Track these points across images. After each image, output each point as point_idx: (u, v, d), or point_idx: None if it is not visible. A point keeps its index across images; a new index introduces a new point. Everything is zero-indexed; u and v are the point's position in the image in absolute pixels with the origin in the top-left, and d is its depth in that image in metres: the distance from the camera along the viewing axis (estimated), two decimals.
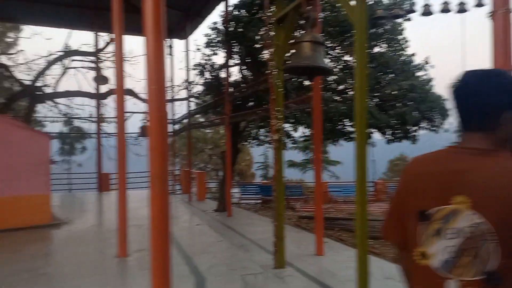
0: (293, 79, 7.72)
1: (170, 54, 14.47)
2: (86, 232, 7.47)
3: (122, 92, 5.45)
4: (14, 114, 13.19)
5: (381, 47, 9.66)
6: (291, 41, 5.09)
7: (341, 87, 10.12)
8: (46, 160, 7.93)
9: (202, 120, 17.17)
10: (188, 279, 4.46)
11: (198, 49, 11.03)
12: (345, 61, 9.54)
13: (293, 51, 4.59)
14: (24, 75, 12.77)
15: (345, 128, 10.02)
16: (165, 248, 2.63)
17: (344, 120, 9.52)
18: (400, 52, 9.82)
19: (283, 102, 5.24)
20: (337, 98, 9.84)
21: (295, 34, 5.80)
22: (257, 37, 8.83)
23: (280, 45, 5.01)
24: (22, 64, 13.35)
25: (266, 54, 9.44)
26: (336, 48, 9.31)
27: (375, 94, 9.68)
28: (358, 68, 3.49)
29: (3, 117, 8.01)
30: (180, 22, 13.13)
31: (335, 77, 9.81)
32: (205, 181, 14.10)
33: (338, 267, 5.20)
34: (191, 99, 13.16)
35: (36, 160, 7.70)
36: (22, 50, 13.47)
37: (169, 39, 14.46)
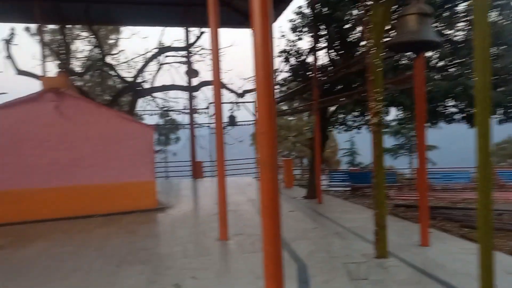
0: (389, 59, 7.22)
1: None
2: (188, 216, 8.01)
3: (219, 83, 5.65)
4: (119, 108, 14.64)
5: (490, 16, 8.49)
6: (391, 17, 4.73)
7: (440, 64, 9.22)
8: (151, 149, 8.67)
9: (285, 107, 17.18)
10: (289, 264, 4.49)
11: (283, 35, 10.97)
12: (446, 35, 8.63)
13: (395, 26, 4.27)
14: (125, 73, 14.07)
15: (446, 109, 9.13)
16: (276, 233, 2.65)
17: (446, 100, 8.66)
18: None
19: (382, 83, 4.92)
20: (436, 76, 8.99)
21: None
22: (347, 17, 8.44)
23: (378, 22, 4.68)
24: (123, 62, 14.73)
25: (358, 34, 9.02)
26: (436, 21, 8.45)
27: None
28: (478, 40, 3.07)
29: (115, 112, 8.90)
30: None
31: (433, 53, 8.95)
32: (292, 168, 14.14)
33: (447, 259, 4.78)
34: (277, 86, 13.20)
35: (143, 149, 8.47)
36: (122, 50, 14.83)
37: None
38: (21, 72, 11.34)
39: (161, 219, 7.83)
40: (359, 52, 8.80)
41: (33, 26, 18.16)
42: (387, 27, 5.04)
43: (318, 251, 5.09)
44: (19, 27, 18.48)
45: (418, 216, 5.52)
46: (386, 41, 4.98)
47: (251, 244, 5.52)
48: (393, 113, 11.17)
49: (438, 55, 9.12)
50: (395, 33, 4.81)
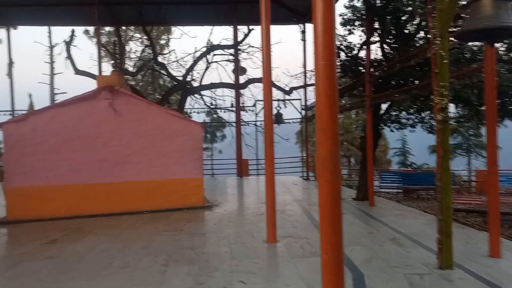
0: (452, 50, 6.64)
1: (303, 40, 14.34)
2: (234, 215, 7.91)
3: (269, 80, 5.48)
4: (168, 106, 14.93)
5: None
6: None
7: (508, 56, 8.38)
8: (200, 146, 8.68)
9: None
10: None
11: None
12: None
13: (463, 13, 3.83)
14: (175, 72, 14.30)
15: None
16: (337, 241, 2.42)
17: None
18: None
19: (448, 76, 4.46)
20: (502, 69, 8.18)
21: None
22: (404, 8, 7.90)
23: (444, 9, 4.23)
24: (173, 62, 14.98)
25: (415, 25, 8.43)
26: None
27: None
28: None
29: (165, 109, 9.01)
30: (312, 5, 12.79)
31: (499, 44, 8.14)
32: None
33: None
34: None
35: (191, 146, 8.50)
36: (173, 50, 15.07)
37: (301, 24, 14.34)
38: (79, 72, 11.86)
39: (208, 217, 7.80)
40: (418, 45, 8.21)
41: (91, 29, 19.18)
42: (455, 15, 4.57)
43: (374, 258, 4.74)
44: (78, 30, 19.66)
45: (488, 223, 4.98)
46: (453, 30, 4.53)
47: (301, 248, 5.28)
48: (451, 110, 10.39)
49: (506, 46, 8.33)
50: (463, 21, 4.35)
